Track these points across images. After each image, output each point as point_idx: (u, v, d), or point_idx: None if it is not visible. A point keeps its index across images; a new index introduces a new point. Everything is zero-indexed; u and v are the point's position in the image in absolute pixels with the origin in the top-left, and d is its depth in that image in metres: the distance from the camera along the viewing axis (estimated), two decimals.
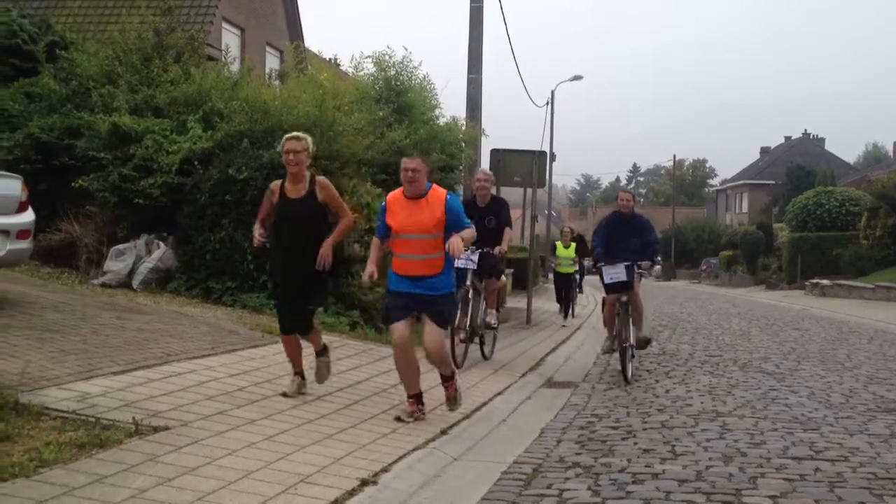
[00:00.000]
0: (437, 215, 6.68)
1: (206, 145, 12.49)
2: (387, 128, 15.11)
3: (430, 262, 6.72)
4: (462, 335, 10.03)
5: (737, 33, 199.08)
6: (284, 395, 7.00)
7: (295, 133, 7.15)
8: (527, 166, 16.79)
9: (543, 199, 43.87)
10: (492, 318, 10.99)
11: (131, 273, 11.94)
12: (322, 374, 7.46)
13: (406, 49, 24.42)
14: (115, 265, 11.96)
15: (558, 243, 18.84)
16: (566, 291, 18.18)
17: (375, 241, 7.06)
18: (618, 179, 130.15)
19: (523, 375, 10.14)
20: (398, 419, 6.74)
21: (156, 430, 5.50)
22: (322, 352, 7.40)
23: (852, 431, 7.25)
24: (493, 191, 11.17)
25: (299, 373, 7.27)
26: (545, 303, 22.45)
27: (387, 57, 16.92)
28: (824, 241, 40.14)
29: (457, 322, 9.47)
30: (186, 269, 12.09)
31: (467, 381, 9.05)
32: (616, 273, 10.06)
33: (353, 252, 11.79)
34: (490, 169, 17.40)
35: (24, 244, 8.81)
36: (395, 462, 5.64)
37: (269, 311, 10.69)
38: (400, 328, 6.66)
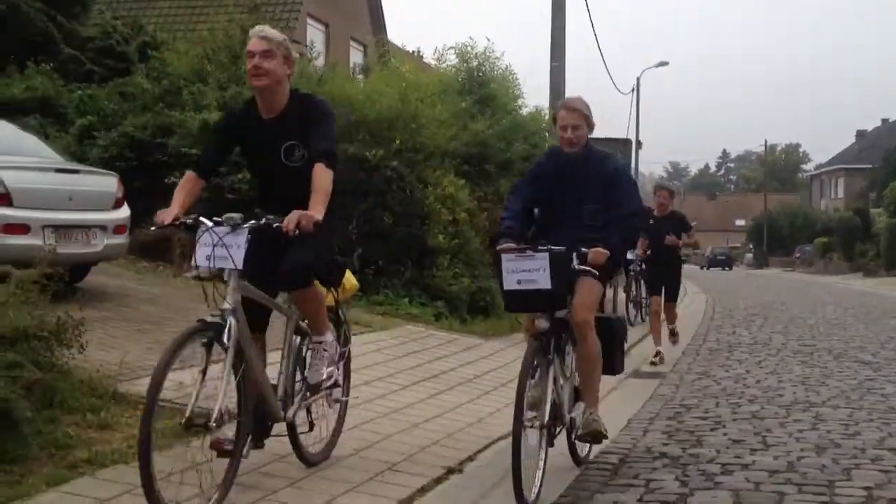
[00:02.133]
0: None
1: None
2: (470, 119, 15.10)
3: None
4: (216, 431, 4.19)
5: (829, 11, 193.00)
6: None
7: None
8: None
9: None
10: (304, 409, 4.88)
11: None
12: None
13: (488, 39, 24.38)
14: None
15: None
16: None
17: None
18: (707, 166, 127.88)
19: None
20: None
21: None
22: None
23: None
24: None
25: None
26: None
27: (469, 48, 16.91)
28: None
29: (191, 402, 4.10)
30: None
31: None
32: (527, 271, 4.87)
33: (437, 242, 11.82)
34: None
35: (121, 239, 9.11)
36: (480, 451, 5.67)
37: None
38: None
